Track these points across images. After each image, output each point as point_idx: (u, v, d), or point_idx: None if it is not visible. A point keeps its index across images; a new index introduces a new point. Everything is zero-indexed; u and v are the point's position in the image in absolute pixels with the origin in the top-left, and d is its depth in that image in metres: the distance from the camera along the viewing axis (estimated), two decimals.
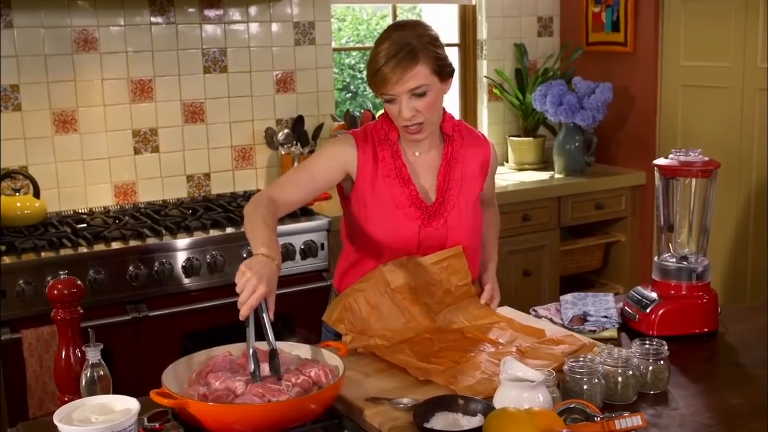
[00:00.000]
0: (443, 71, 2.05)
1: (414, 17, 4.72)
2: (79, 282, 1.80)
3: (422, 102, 2.02)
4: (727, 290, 3.68)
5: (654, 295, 2.18)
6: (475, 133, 2.26)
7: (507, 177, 4.03)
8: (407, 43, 2.00)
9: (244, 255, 3.05)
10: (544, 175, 4.06)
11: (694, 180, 2.20)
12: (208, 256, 3.03)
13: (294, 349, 1.86)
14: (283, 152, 3.68)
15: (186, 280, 3.01)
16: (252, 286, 1.71)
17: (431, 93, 2.03)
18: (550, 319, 2.23)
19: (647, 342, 1.86)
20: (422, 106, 2.02)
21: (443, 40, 2.12)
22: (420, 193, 2.14)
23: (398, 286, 2.10)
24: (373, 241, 2.14)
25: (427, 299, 2.12)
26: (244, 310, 1.72)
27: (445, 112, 2.18)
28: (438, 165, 2.17)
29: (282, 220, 3.16)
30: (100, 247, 2.91)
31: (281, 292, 3.03)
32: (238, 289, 1.73)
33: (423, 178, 2.16)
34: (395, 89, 2.00)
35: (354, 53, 5.55)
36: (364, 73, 2.35)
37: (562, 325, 2.18)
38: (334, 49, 3.93)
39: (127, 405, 1.55)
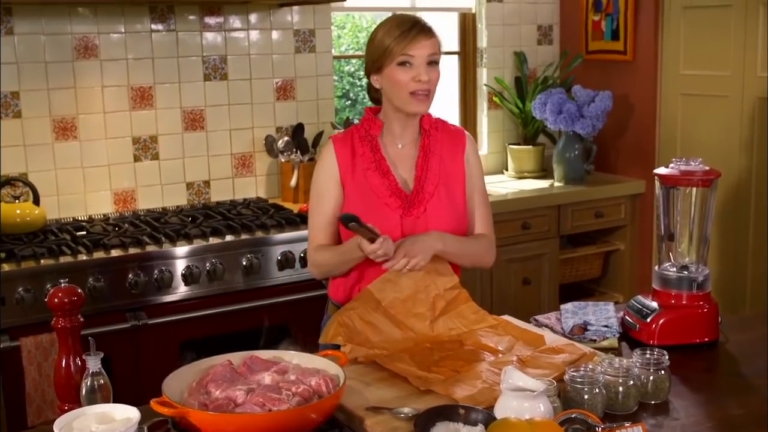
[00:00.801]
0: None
1: None
2: (79, 290, 1.80)
3: (434, 71, 2.17)
4: (726, 299, 3.67)
5: (654, 304, 2.18)
6: (452, 126, 2.35)
7: (506, 185, 4.03)
8: (420, 19, 2.20)
9: (244, 263, 3.05)
10: (543, 184, 4.06)
11: (694, 189, 2.20)
12: (207, 264, 3.02)
13: (294, 358, 1.86)
14: (283, 160, 3.68)
15: (185, 288, 3.00)
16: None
17: (439, 67, 2.19)
18: (551, 328, 2.23)
19: (648, 351, 1.86)
20: (434, 76, 2.17)
21: (443, 48, 2.26)
22: (399, 183, 2.23)
23: (388, 302, 2.12)
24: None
25: (419, 308, 2.13)
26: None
27: None
28: (416, 156, 2.27)
29: (282, 228, 3.19)
30: (99, 254, 2.90)
31: (279, 300, 3.08)
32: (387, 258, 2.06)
33: (402, 169, 2.26)
34: (418, 51, 2.14)
35: (354, 61, 5.55)
36: (364, 80, 2.38)
37: (563, 335, 2.18)
38: (334, 57, 3.93)
39: (127, 414, 1.55)
